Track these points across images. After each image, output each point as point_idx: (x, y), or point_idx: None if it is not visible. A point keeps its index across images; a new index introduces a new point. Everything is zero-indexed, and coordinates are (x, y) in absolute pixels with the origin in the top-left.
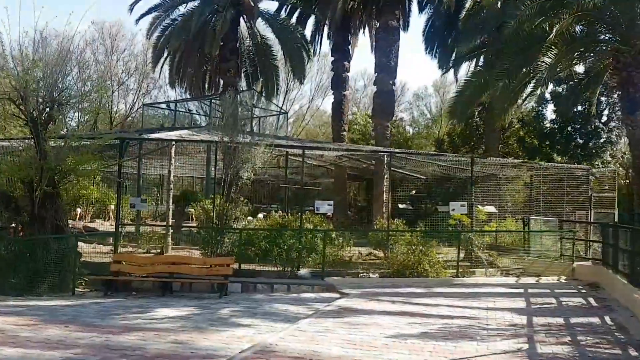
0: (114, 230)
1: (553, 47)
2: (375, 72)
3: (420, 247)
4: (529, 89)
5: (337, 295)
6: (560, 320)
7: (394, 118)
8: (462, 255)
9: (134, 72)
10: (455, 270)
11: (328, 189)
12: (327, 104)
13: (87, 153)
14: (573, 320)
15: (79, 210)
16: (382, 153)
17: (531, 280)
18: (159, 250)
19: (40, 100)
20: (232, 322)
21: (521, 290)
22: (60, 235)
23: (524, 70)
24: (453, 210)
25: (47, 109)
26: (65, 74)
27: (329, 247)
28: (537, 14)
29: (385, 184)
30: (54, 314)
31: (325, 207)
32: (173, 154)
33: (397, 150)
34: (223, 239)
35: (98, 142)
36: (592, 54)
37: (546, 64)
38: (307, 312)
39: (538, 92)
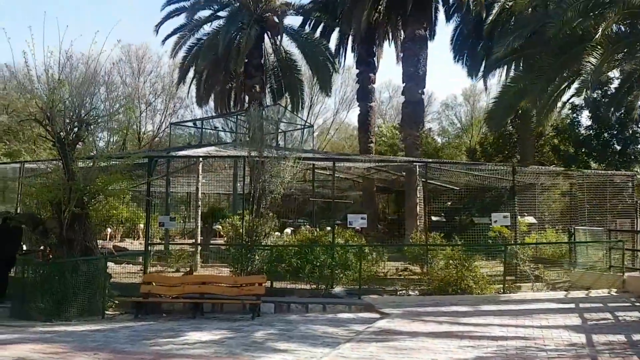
0: (144, 249)
1: (598, 47)
2: (403, 82)
3: (463, 262)
4: (570, 92)
5: (377, 316)
6: (622, 338)
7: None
8: (502, 269)
9: (161, 93)
10: (500, 286)
11: (356, 202)
12: (351, 116)
13: (115, 173)
14: (635, 337)
15: (109, 230)
16: (415, 164)
17: (580, 294)
18: (188, 269)
19: (67, 120)
20: (268, 346)
21: (572, 305)
22: (89, 258)
23: (565, 73)
24: (495, 222)
25: (75, 129)
26: (92, 94)
27: (362, 262)
28: (581, 13)
29: (418, 195)
30: (83, 340)
31: (358, 220)
32: (200, 171)
33: (432, 160)
34: (253, 256)
35: (126, 161)
36: (638, 55)
37: (592, 64)
38: (347, 335)
39: (582, 94)
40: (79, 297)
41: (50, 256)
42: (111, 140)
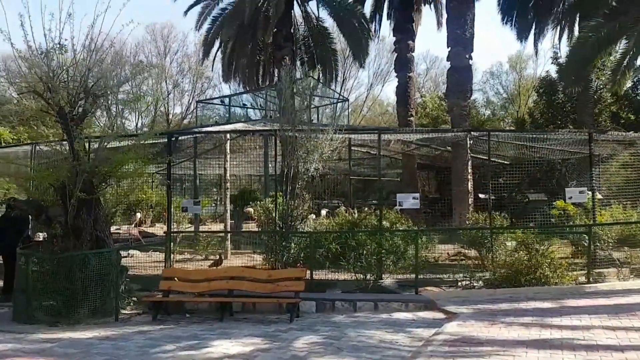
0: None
1: None
2: (448, 46)
3: (536, 247)
4: None
5: (442, 316)
6: None
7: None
8: (569, 252)
9: (187, 72)
10: (578, 273)
11: (393, 181)
12: (386, 91)
13: (129, 151)
14: None
15: (138, 215)
16: (468, 134)
17: None
18: (218, 257)
19: (71, 92)
20: None
21: None
22: (100, 251)
23: None
24: (570, 198)
25: (81, 102)
26: (100, 60)
27: (411, 247)
28: None
29: (469, 171)
30: (87, 354)
31: (409, 201)
32: (228, 150)
33: (494, 129)
34: (289, 244)
35: (141, 139)
36: None
37: None
38: (412, 345)
39: None
40: (89, 296)
41: (55, 248)
42: (140, 122)
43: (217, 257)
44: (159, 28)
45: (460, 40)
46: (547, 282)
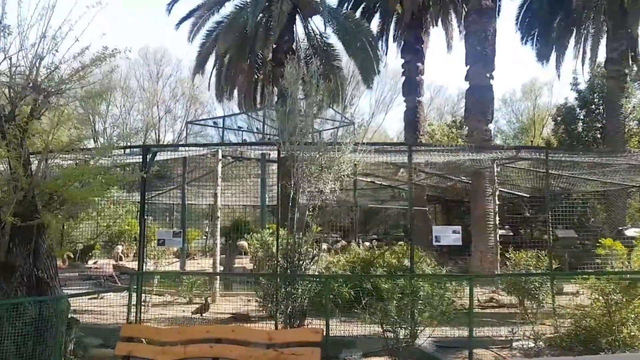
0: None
1: None
2: (467, 65)
3: (615, 298)
4: None
5: None
6: None
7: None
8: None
9: (180, 97)
10: None
11: (399, 214)
12: (389, 120)
13: (85, 166)
14: None
15: (119, 247)
16: (493, 162)
17: None
18: (204, 302)
19: (13, 86)
20: None
21: None
22: (38, 299)
23: None
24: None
25: (26, 99)
26: (55, 46)
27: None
28: None
29: (492, 203)
30: None
31: (449, 236)
32: (220, 173)
33: (563, 150)
34: (296, 290)
35: (105, 149)
36: None
37: None
38: None
39: None
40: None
41: None
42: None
43: (203, 301)
44: (152, 51)
45: (480, 57)
46: (632, 345)
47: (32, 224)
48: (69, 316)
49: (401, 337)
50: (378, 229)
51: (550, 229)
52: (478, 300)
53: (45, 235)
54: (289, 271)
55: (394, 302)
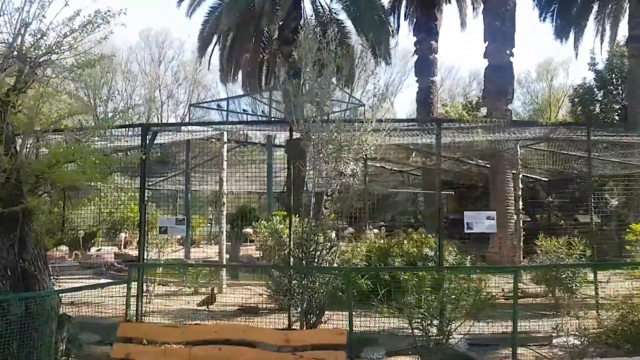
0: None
1: None
2: (485, 41)
3: None
4: None
5: None
6: None
7: None
8: None
9: (183, 81)
10: None
11: (408, 200)
12: (398, 103)
13: (76, 143)
14: None
15: (123, 235)
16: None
17: None
18: (210, 293)
19: None
20: None
21: None
22: (25, 295)
23: None
24: None
25: (11, 69)
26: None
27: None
28: None
29: (519, 185)
30: None
31: (483, 222)
32: (225, 156)
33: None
34: (313, 284)
35: (94, 128)
36: None
37: None
38: None
39: None
40: None
41: None
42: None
43: (209, 292)
44: (154, 34)
45: (499, 33)
46: None
47: (17, 210)
48: (61, 312)
49: (432, 334)
50: (385, 216)
51: (592, 213)
52: (502, 290)
53: (32, 223)
54: (303, 262)
55: (423, 296)
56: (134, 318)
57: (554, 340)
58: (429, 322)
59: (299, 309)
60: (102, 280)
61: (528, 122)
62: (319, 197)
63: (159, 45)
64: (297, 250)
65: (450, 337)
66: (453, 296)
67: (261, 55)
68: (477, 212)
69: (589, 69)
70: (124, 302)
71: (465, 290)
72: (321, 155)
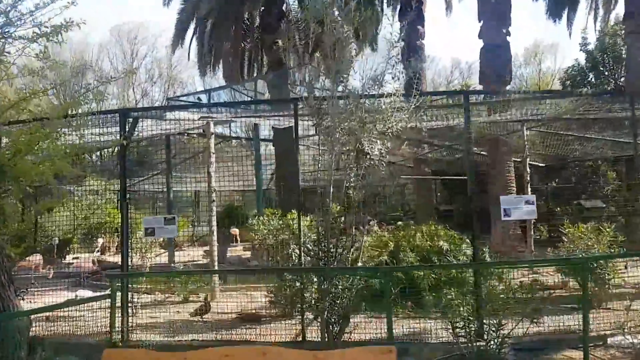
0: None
1: None
2: (479, 20)
3: None
4: None
5: None
6: None
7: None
8: None
9: (158, 79)
10: None
11: (395, 193)
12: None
13: (37, 128)
14: None
15: (100, 240)
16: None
17: None
18: (204, 302)
19: None
20: None
21: None
22: None
23: None
24: None
25: None
26: None
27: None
28: None
29: (527, 170)
30: None
31: (521, 209)
32: (212, 146)
33: None
34: (335, 288)
35: (60, 110)
36: None
37: None
38: None
39: None
40: None
41: None
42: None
43: (201, 299)
44: (126, 30)
45: (495, 11)
46: None
47: None
48: (32, 334)
49: (477, 340)
50: (373, 210)
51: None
52: (520, 282)
53: None
54: (321, 263)
55: (462, 296)
56: (120, 336)
57: (609, 340)
58: (473, 326)
59: (319, 318)
60: (80, 292)
61: (563, 91)
62: (338, 186)
63: (131, 41)
64: (315, 248)
65: (505, 344)
66: (502, 295)
67: (242, 44)
68: (514, 196)
69: (580, 49)
70: (107, 316)
71: (516, 288)
72: (337, 135)
